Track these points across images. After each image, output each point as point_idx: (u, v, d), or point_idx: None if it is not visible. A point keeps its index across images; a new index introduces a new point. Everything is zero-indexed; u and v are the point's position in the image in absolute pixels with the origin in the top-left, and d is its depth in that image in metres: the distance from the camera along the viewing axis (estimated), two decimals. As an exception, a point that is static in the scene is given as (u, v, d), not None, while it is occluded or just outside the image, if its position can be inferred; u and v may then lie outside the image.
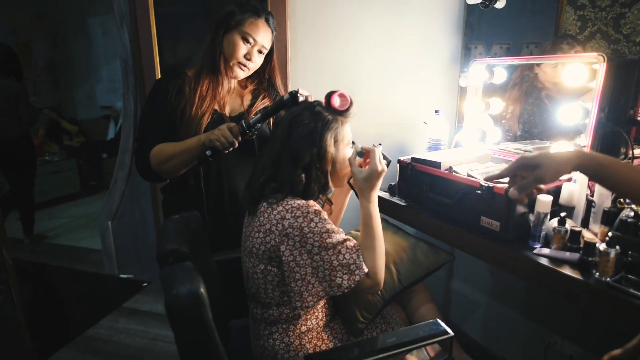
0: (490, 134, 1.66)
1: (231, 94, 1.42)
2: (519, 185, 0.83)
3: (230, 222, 1.40)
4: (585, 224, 1.22)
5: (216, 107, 1.36)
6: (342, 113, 1.06)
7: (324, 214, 0.97)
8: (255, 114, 1.33)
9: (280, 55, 2.00)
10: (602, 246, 0.98)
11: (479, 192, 1.20)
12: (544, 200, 1.14)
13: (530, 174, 0.82)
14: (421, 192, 1.41)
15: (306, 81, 2.01)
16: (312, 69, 2.01)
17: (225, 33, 1.31)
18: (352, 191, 1.16)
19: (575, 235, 1.08)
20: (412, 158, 1.46)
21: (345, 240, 0.97)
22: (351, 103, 1.07)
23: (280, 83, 1.48)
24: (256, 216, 1.02)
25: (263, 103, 1.43)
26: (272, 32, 1.35)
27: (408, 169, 1.46)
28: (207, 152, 1.20)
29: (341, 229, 1.01)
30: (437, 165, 1.37)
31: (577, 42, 2.09)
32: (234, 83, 1.42)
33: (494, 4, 1.68)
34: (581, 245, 1.07)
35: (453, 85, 1.89)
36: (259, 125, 1.21)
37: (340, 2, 1.88)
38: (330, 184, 1.06)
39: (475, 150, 1.54)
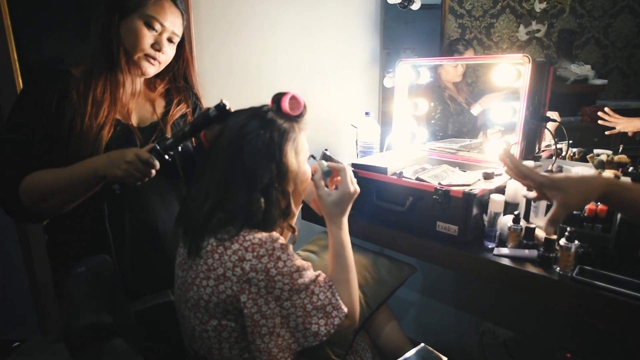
0: (419, 134, 1.66)
1: (137, 98, 1.13)
2: (551, 220, 0.82)
3: (151, 262, 1.11)
4: (526, 219, 1.26)
5: (118, 116, 1.05)
6: (297, 118, 0.89)
7: (290, 248, 0.81)
8: (174, 131, 1.07)
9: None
10: (562, 241, 1.00)
11: (435, 196, 1.15)
12: (497, 200, 1.14)
13: (551, 194, 0.81)
14: (368, 201, 1.31)
15: (215, 83, 1.77)
16: (221, 69, 1.78)
17: (122, 18, 1.02)
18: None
19: (530, 232, 1.09)
20: (353, 164, 1.36)
21: (316, 276, 0.83)
22: (305, 106, 0.91)
23: (196, 81, 1.23)
24: (201, 257, 0.80)
25: (180, 110, 1.17)
26: (182, 15, 1.09)
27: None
28: (114, 187, 0.92)
29: (308, 262, 0.85)
30: (383, 171, 1.29)
31: (470, 44, 2.26)
32: (139, 83, 1.12)
33: (411, 5, 1.68)
34: (536, 242, 1.09)
35: (374, 87, 1.85)
36: (179, 147, 0.98)
37: (250, -5, 1.69)
38: (293, 207, 0.88)
39: (411, 152, 1.50)
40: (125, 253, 1.05)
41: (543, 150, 1.56)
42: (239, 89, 1.80)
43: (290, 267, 0.78)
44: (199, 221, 0.82)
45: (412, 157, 1.44)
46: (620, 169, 1.34)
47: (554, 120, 1.44)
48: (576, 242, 0.99)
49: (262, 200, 0.81)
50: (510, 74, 1.30)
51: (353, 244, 1.33)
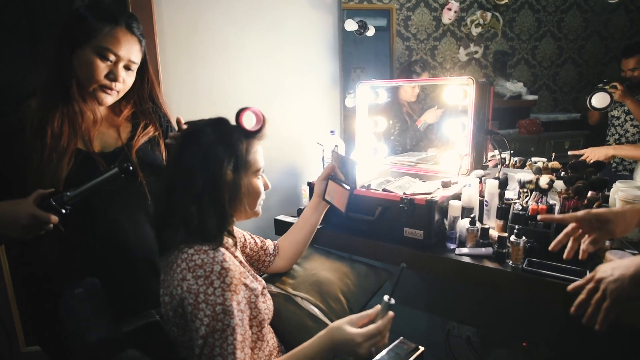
0: (380, 149, 1.79)
1: (99, 125, 1.09)
2: (592, 241, 0.91)
3: (122, 283, 1.09)
4: (480, 220, 1.41)
5: (79, 145, 1.02)
6: (254, 134, 0.93)
7: (232, 274, 0.78)
8: (73, 187, 0.96)
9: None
10: (512, 238, 1.14)
11: (402, 205, 1.27)
12: (455, 205, 1.28)
13: (592, 227, 0.90)
14: (339, 213, 1.40)
15: (181, 105, 1.81)
16: (188, 91, 1.82)
17: (74, 49, 0.99)
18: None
19: (485, 232, 1.24)
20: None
21: (242, 331, 0.78)
22: (264, 122, 0.95)
23: (164, 101, 1.21)
24: (164, 273, 0.84)
25: (147, 134, 1.15)
26: (140, 40, 1.06)
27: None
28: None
29: (245, 311, 0.80)
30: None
31: (427, 65, 2.47)
32: (101, 110, 1.09)
33: (366, 32, 1.83)
34: (490, 241, 1.23)
35: (335, 106, 1.97)
36: (76, 199, 0.94)
37: (214, 23, 1.76)
38: (234, 217, 0.92)
39: (374, 166, 1.63)
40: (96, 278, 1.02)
41: (489, 160, 1.74)
42: (205, 111, 1.83)
43: (217, 298, 0.75)
44: (155, 230, 0.88)
45: (375, 171, 1.56)
46: (554, 174, 1.54)
47: (497, 133, 1.62)
48: (523, 237, 1.14)
49: (194, 208, 0.83)
50: (458, 94, 1.46)
51: (330, 252, 1.41)
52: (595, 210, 0.92)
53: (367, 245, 1.36)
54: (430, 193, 1.28)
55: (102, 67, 0.99)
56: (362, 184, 1.41)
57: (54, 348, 1.10)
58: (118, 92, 1.05)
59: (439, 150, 1.70)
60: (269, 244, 1.18)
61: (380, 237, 1.34)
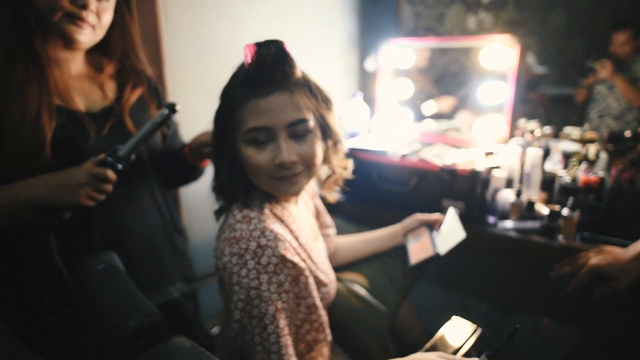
0: (402, 116, 1.68)
1: (80, 80, 0.93)
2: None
3: (126, 263, 0.92)
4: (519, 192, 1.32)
5: (58, 101, 0.86)
6: (252, 79, 0.71)
7: (270, 252, 0.66)
8: (125, 142, 0.86)
9: (151, 31, 1.57)
10: (564, 211, 1.06)
11: (443, 175, 1.16)
12: (499, 176, 1.19)
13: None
14: (368, 184, 1.29)
15: (184, 65, 1.64)
16: (192, 49, 1.65)
17: None
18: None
19: (532, 204, 1.15)
20: (350, 148, 1.33)
21: (277, 316, 0.67)
22: (265, 59, 0.71)
23: (144, 57, 1.04)
24: (218, 234, 0.76)
25: (135, 94, 0.99)
26: None
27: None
28: (64, 215, 0.79)
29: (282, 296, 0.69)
30: (383, 153, 1.28)
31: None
32: (79, 61, 0.93)
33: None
34: (537, 214, 1.15)
35: (353, 69, 1.83)
36: (132, 156, 0.85)
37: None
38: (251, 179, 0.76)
39: (400, 134, 1.51)
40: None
41: (517, 130, 1.65)
42: (211, 73, 1.69)
43: (251, 282, 0.65)
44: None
45: (403, 139, 1.45)
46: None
47: (532, 101, 1.52)
48: (577, 211, 1.06)
49: (222, 171, 0.76)
50: (499, 55, 1.34)
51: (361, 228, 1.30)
52: (605, 263, 0.91)
53: (400, 218, 1.25)
54: (473, 162, 1.18)
55: None
56: (392, 153, 1.29)
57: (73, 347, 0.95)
58: (93, 27, 0.86)
59: (470, 117, 1.59)
60: (333, 234, 1.03)
61: (415, 210, 1.23)
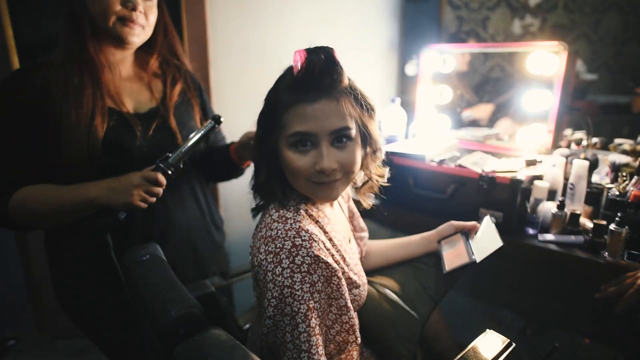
0: (442, 122, 1.65)
1: (129, 82, 0.99)
2: None
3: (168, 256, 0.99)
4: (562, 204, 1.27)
5: (110, 103, 0.92)
6: (300, 84, 0.71)
7: (304, 252, 0.67)
8: (176, 150, 0.92)
9: (199, 35, 1.64)
10: (612, 226, 1.01)
11: (481, 183, 1.14)
12: (541, 186, 1.15)
13: None
14: (404, 189, 1.29)
15: (229, 68, 1.70)
16: (236, 52, 1.70)
17: None
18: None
19: (575, 218, 1.10)
20: (388, 152, 1.32)
21: (309, 316, 0.66)
22: (314, 66, 0.71)
23: (181, 50, 1.09)
24: (255, 232, 0.77)
25: (176, 90, 1.04)
26: None
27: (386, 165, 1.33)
28: (119, 215, 0.85)
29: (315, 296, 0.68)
30: (420, 158, 1.27)
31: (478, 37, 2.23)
32: (128, 63, 0.99)
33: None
34: (580, 228, 1.10)
35: (392, 73, 1.82)
36: (181, 164, 0.91)
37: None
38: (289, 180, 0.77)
39: (439, 140, 1.49)
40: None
41: (562, 140, 1.58)
42: (254, 75, 1.74)
43: (285, 280, 0.65)
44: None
45: (442, 144, 1.43)
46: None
47: (579, 110, 1.46)
48: (626, 227, 1.00)
49: (260, 166, 0.77)
50: (545, 62, 1.30)
51: (394, 233, 1.29)
52: None
53: (435, 225, 1.24)
54: (514, 171, 1.15)
55: None
56: (430, 158, 1.28)
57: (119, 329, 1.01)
58: (143, 27, 0.92)
59: (512, 125, 1.54)
60: (365, 237, 1.04)
61: (450, 218, 1.21)
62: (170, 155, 0.89)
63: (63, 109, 0.86)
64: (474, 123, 1.82)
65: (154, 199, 0.87)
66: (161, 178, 0.86)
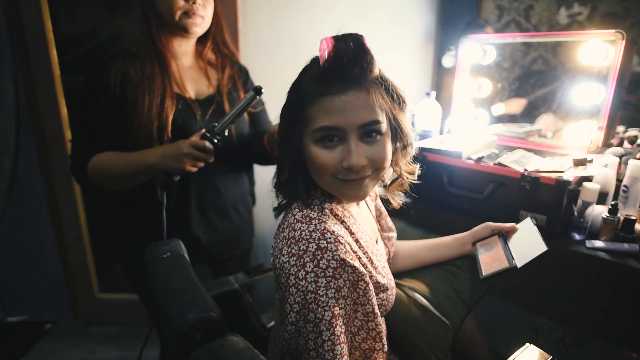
0: (479, 116, 1.56)
1: (191, 69, 1.13)
2: None
3: (218, 227, 1.19)
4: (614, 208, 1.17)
5: (176, 89, 1.07)
6: (327, 75, 0.67)
7: (329, 256, 0.62)
8: (220, 118, 1.05)
9: (230, 25, 1.62)
10: (673, 235, 0.90)
11: (523, 183, 1.05)
12: (591, 189, 1.05)
13: None
14: (439, 188, 1.22)
15: (259, 59, 1.67)
16: (267, 44, 1.67)
17: None
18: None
19: (630, 224, 1.00)
20: (421, 148, 1.26)
21: (334, 323, 0.62)
22: (342, 55, 0.67)
23: (229, 39, 1.21)
24: (277, 232, 0.74)
25: (226, 75, 1.17)
26: None
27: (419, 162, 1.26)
28: (174, 177, 1.01)
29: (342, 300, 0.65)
30: (457, 155, 1.19)
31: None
32: (189, 54, 1.13)
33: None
34: (635, 235, 1.00)
35: (428, 65, 1.74)
36: (226, 133, 1.03)
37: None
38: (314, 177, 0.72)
39: (477, 136, 1.40)
40: (194, 220, 1.11)
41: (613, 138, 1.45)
42: (285, 64, 1.70)
43: (309, 285, 0.61)
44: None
45: (479, 141, 1.34)
46: None
47: (634, 105, 1.33)
48: (691, 236, 0.90)
49: (283, 163, 0.73)
50: (599, 52, 1.19)
51: (427, 233, 1.23)
52: None
53: (468, 227, 1.17)
54: (561, 171, 1.06)
55: None
56: (468, 155, 1.20)
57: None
58: (202, 17, 1.04)
59: (555, 121, 1.43)
60: (393, 238, 0.99)
61: (486, 220, 1.14)
62: (216, 124, 1.00)
63: (139, 92, 1.00)
64: (513, 118, 1.71)
65: (202, 164, 0.99)
66: (208, 145, 0.97)
